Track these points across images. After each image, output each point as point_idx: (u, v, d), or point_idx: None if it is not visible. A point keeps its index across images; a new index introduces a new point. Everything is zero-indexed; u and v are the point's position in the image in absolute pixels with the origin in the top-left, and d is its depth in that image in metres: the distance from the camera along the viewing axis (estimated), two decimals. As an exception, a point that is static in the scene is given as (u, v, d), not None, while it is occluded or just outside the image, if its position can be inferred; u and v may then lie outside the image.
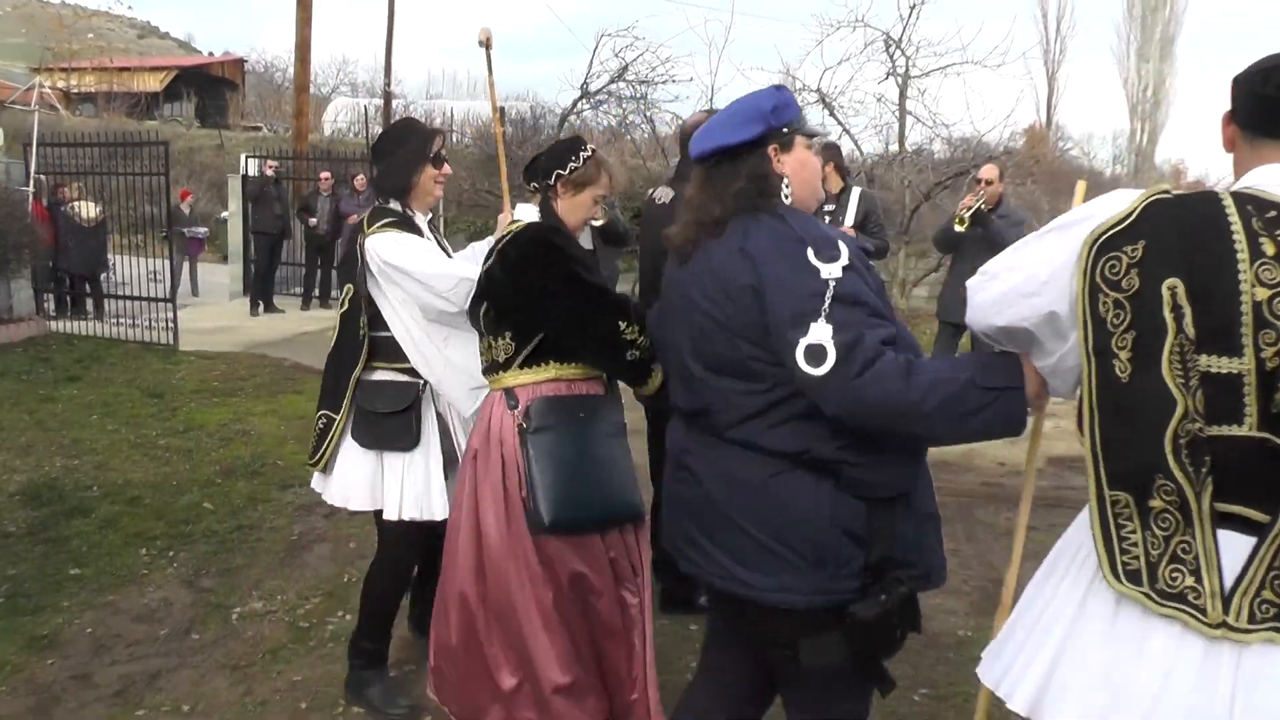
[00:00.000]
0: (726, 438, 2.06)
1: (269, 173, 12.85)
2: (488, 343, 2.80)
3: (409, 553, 3.34)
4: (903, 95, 14.33)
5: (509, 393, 2.75)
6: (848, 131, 14.20)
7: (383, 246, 3.02)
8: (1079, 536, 1.82)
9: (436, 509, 3.12)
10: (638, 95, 14.12)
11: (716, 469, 2.09)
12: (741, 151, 2.10)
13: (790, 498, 1.99)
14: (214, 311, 12.67)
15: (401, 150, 3.14)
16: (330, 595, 4.22)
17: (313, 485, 3.42)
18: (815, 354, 1.86)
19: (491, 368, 2.81)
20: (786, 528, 1.98)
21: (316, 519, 5.11)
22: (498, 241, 2.79)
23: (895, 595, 1.96)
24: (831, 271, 1.91)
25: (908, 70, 14.00)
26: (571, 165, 2.73)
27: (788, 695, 2.26)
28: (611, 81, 14.02)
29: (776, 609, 2.01)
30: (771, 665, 2.22)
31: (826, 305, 1.88)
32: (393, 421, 3.12)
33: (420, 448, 3.14)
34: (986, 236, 6.47)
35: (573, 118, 14.63)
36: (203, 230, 16.45)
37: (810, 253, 1.93)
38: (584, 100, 14.28)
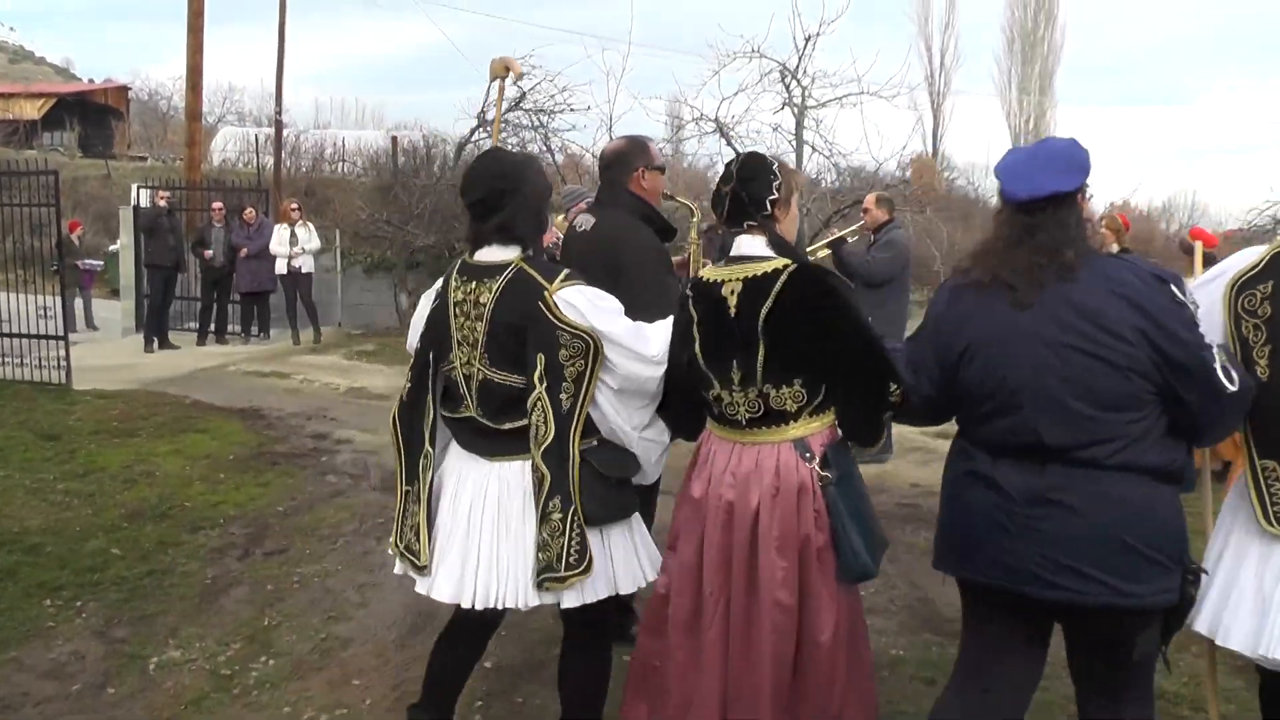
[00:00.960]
0: (1110, 465, 2.30)
1: (162, 203, 12.49)
2: (760, 392, 2.67)
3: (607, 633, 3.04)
4: (799, 125, 14.65)
5: (800, 443, 2.68)
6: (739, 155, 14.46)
7: (583, 304, 2.71)
8: (1235, 503, 2.55)
9: (648, 572, 2.88)
10: (535, 125, 14.15)
11: (1101, 496, 2.31)
12: (1068, 198, 2.37)
13: (1162, 508, 2.33)
14: (107, 349, 12.23)
15: (531, 189, 2.84)
16: (251, 640, 4.11)
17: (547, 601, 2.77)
18: (1225, 373, 2.28)
19: (768, 418, 2.70)
20: (1161, 536, 2.32)
21: (230, 561, 4.98)
22: (764, 284, 2.63)
23: (1198, 580, 2.39)
24: (1189, 301, 2.32)
25: (804, 101, 14.32)
26: (776, 184, 2.73)
27: (1107, 691, 2.51)
28: (509, 110, 14.03)
29: (1144, 611, 2.35)
30: (1088, 666, 2.53)
31: (1203, 331, 2.32)
32: (625, 490, 2.84)
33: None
34: (838, 261, 7.03)
35: (470, 146, 14.57)
36: (97, 263, 15.90)
37: (1174, 289, 2.28)
38: (481, 129, 14.23)
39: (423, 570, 2.85)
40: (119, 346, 12.53)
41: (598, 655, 3.01)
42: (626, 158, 3.94)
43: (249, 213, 12.66)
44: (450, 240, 13.49)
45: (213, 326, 12.96)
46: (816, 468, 2.64)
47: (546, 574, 2.65)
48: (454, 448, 2.94)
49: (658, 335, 2.81)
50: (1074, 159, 2.38)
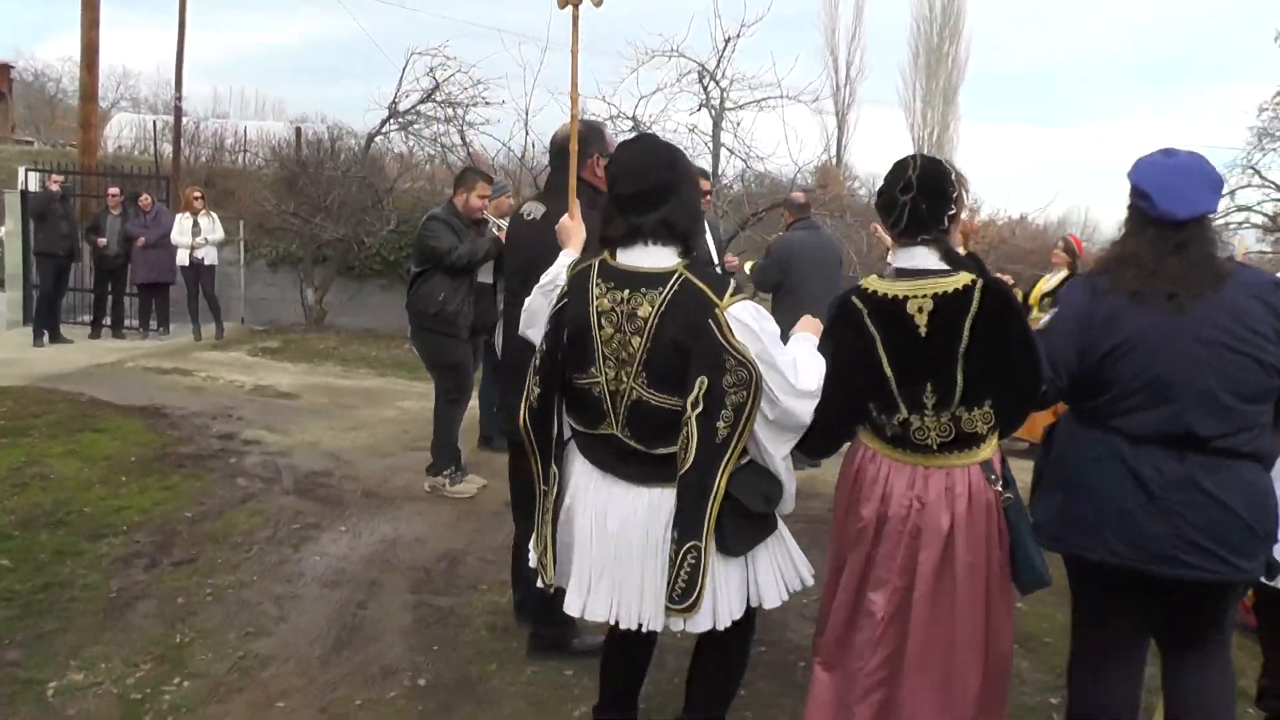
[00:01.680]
0: (1243, 452, 2.56)
1: (54, 188, 11.80)
2: (952, 416, 2.63)
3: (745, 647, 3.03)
4: (717, 127, 14.62)
5: (988, 464, 2.69)
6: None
7: (754, 324, 2.49)
8: None
9: (799, 579, 2.81)
10: (449, 118, 13.79)
11: (1234, 481, 2.56)
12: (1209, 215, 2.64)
13: (1270, 490, 2.61)
14: (-11, 342, 11.53)
15: (693, 183, 2.66)
16: (162, 660, 3.81)
17: (671, 626, 2.66)
18: None
19: (958, 442, 2.66)
20: (1269, 516, 2.60)
21: (136, 572, 4.65)
22: (959, 302, 2.56)
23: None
24: None
25: (722, 103, 14.29)
26: (954, 195, 2.67)
27: (1201, 649, 2.77)
28: (422, 101, 13.66)
29: (1248, 582, 2.74)
30: (1188, 633, 2.77)
31: None
32: (768, 517, 2.71)
33: None
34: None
35: (380, 138, 14.16)
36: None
37: None
38: (392, 120, 13.82)
39: (548, 588, 2.79)
40: (4, 340, 11.82)
41: (735, 667, 3.00)
42: (583, 145, 3.78)
43: (144, 199, 12.05)
44: (359, 234, 13.08)
45: (107, 320, 12.33)
46: (1000, 488, 2.68)
47: (669, 603, 2.56)
48: (583, 463, 2.74)
49: (812, 367, 2.62)
50: (1216, 179, 2.63)
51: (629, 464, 2.63)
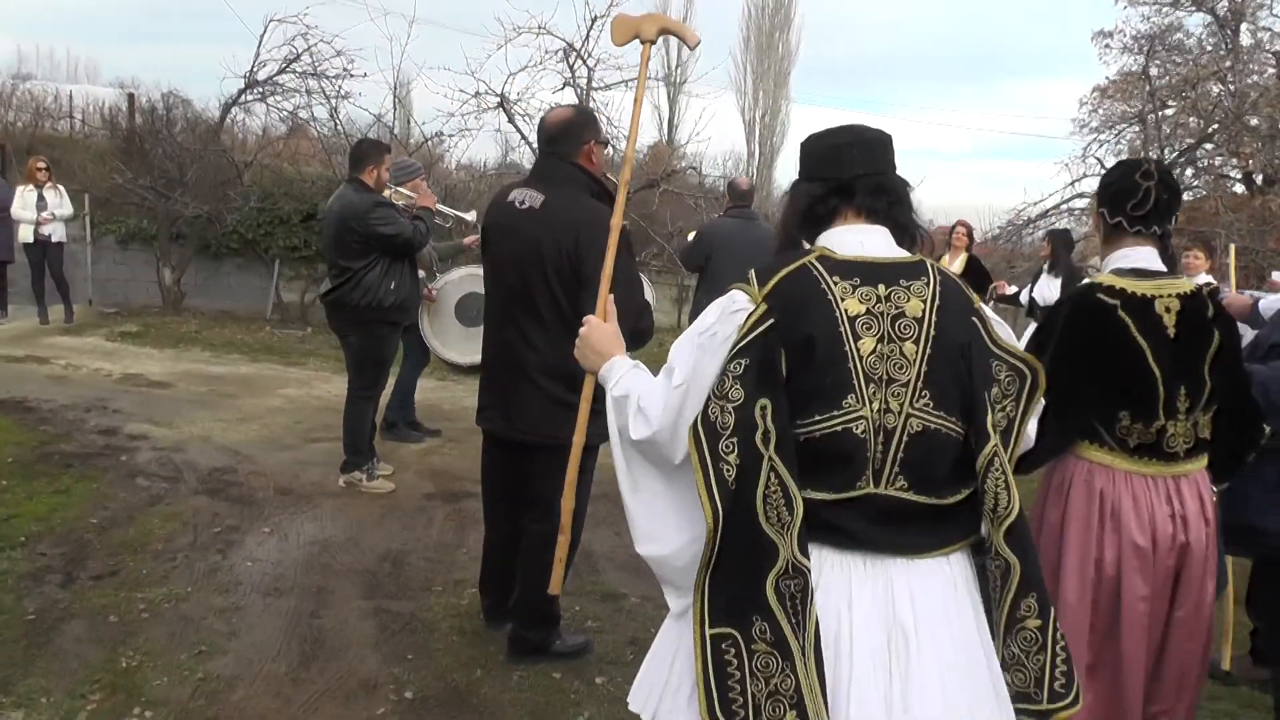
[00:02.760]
0: None
1: None
2: (1194, 420, 2.63)
3: None
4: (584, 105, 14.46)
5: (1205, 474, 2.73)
6: (526, 140, 14.09)
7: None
8: None
9: None
10: (312, 90, 13.12)
11: None
12: None
13: None
14: None
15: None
16: (113, 689, 3.48)
17: None
18: None
19: (1198, 448, 2.68)
20: None
21: (51, 589, 4.25)
22: (1200, 305, 2.64)
23: None
24: None
25: (589, 82, 14.14)
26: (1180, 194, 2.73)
27: None
28: (281, 71, 12.94)
29: None
30: None
31: None
32: None
33: None
34: None
35: (236, 109, 13.36)
36: None
37: None
38: (250, 90, 13.04)
39: None
40: None
41: None
42: (575, 129, 3.65)
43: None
44: (221, 210, 12.33)
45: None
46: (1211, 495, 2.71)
47: (1023, 704, 1.84)
48: (817, 554, 1.80)
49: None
50: None
51: (908, 528, 1.83)
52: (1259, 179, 17.78)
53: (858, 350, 1.79)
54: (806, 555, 1.74)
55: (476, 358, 7.48)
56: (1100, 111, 19.82)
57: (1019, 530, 1.83)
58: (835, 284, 1.83)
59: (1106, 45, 19.62)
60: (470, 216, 6.61)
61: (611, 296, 2.21)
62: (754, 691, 1.71)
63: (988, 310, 1.96)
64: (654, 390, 1.93)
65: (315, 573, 4.62)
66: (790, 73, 39.00)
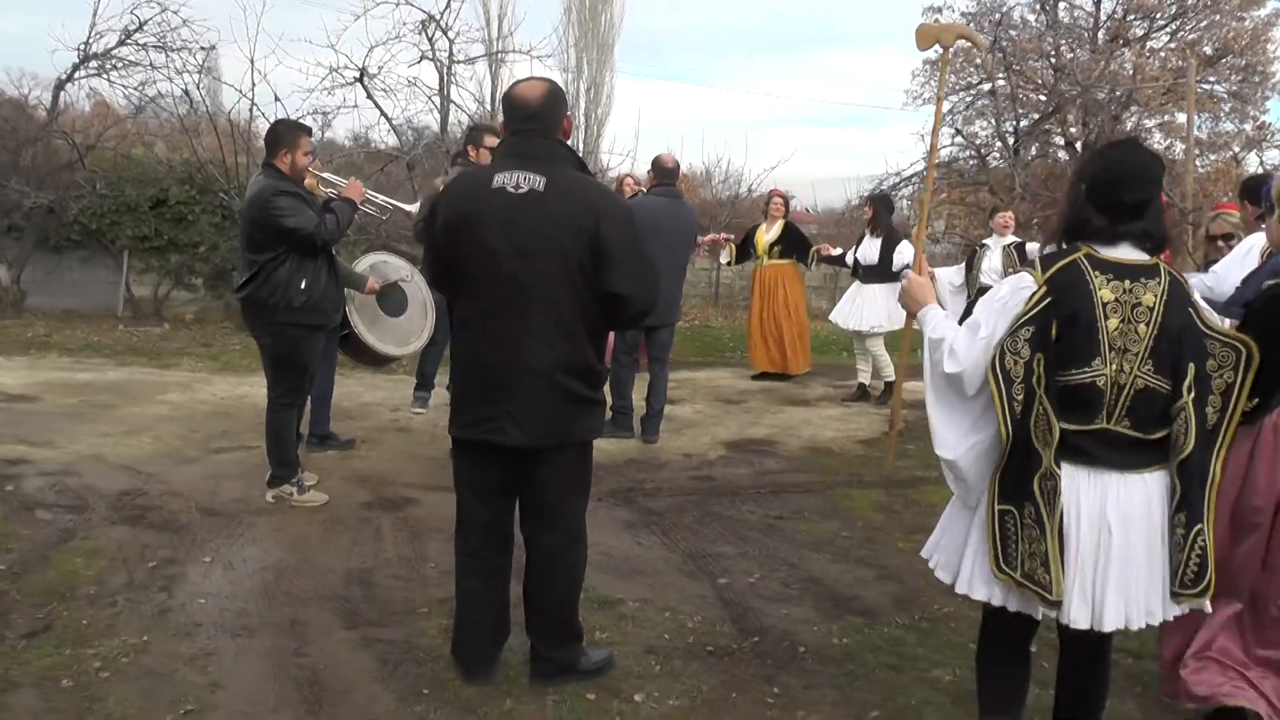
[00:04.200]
0: None
1: None
2: None
3: None
4: (444, 80, 13.92)
5: None
6: (385, 115, 13.46)
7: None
8: None
9: None
10: (156, 63, 12.09)
11: None
12: None
13: None
14: None
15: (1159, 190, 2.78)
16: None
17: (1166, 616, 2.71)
18: None
19: None
20: None
21: (0, 658, 3.68)
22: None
23: None
24: None
25: (451, 54, 13.60)
26: None
27: None
28: (121, 43, 11.86)
29: None
30: None
31: None
32: None
33: None
34: None
35: (71, 86, 12.19)
36: None
37: None
38: (84, 65, 11.89)
39: (1054, 605, 2.60)
40: None
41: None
42: (557, 103, 3.36)
43: None
44: (65, 199, 11.24)
45: None
46: None
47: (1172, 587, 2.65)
48: (1066, 467, 2.63)
49: None
50: None
51: (1125, 453, 2.63)
52: (1079, 146, 18.78)
53: (1106, 327, 2.57)
54: (1059, 465, 2.57)
55: (406, 350, 7.15)
56: (932, 84, 20.50)
57: (1189, 463, 2.59)
58: (1095, 276, 2.59)
59: (937, 19, 20.28)
60: (412, 209, 6.12)
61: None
62: (1022, 551, 2.61)
63: (1202, 303, 2.68)
64: (963, 337, 2.69)
65: (280, 603, 4.19)
66: (615, 45, 38.98)
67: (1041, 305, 2.57)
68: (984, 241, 8.51)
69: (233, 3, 23.74)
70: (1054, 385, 2.56)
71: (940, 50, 2.85)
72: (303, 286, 5.13)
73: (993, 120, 18.41)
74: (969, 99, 19.55)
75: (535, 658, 3.54)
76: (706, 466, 6.63)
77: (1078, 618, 2.60)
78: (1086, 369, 2.57)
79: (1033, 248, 7.98)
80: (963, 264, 8.68)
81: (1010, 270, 7.78)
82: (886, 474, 6.38)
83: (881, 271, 8.79)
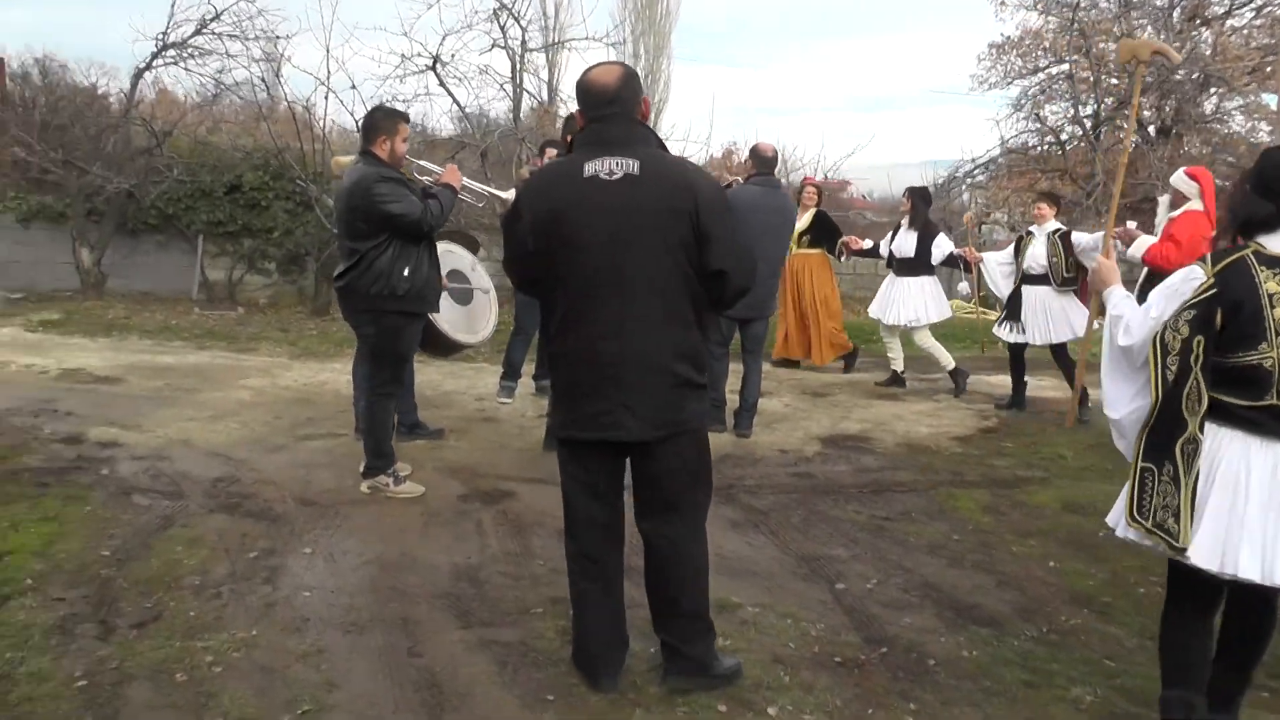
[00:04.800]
0: None
1: None
2: None
3: None
4: (516, 68, 13.76)
5: None
6: (457, 102, 13.32)
7: None
8: None
9: None
10: (233, 53, 12.06)
11: None
12: None
13: None
14: None
15: None
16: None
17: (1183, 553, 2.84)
18: None
19: None
20: None
21: (89, 644, 3.57)
22: None
23: None
24: None
25: (523, 42, 13.44)
26: None
27: None
28: (198, 32, 11.83)
29: None
30: None
31: None
32: None
33: None
34: None
35: (149, 74, 12.20)
36: None
37: None
38: (163, 55, 11.87)
39: (1180, 551, 2.83)
40: None
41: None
42: (635, 85, 3.22)
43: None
44: (146, 184, 11.27)
45: None
46: None
47: None
48: (1234, 434, 2.86)
49: None
50: None
51: None
52: (1152, 130, 18.14)
53: (1272, 316, 2.77)
54: (1203, 432, 2.81)
55: (476, 338, 7.05)
56: (998, 68, 19.93)
57: None
58: (1261, 271, 2.81)
59: (1003, 3, 19.65)
60: (508, 195, 5.97)
61: None
62: (1155, 504, 2.86)
63: None
64: (1138, 316, 2.98)
65: (388, 599, 4.05)
66: (671, 31, 38.74)
67: (1207, 295, 2.80)
68: (1030, 229, 8.32)
69: None
70: (1215, 365, 2.80)
71: (1137, 62, 3.19)
72: (405, 274, 5.00)
73: (1071, 104, 17.81)
74: (1040, 82, 18.93)
75: (671, 656, 3.38)
76: (804, 463, 6.41)
77: (1249, 570, 2.78)
78: (1253, 352, 2.79)
79: (1078, 236, 7.82)
80: (1011, 248, 8.46)
81: (1055, 259, 7.71)
82: (987, 473, 6.15)
83: (918, 265, 8.71)
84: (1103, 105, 17.33)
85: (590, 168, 3.11)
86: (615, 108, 3.17)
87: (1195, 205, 6.41)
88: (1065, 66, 17.98)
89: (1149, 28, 18.32)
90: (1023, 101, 18.52)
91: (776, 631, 3.88)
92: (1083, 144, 17.78)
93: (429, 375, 8.15)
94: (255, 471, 5.62)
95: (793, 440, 6.97)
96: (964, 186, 18.39)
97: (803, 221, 9.48)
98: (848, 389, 8.98)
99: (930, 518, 5.31)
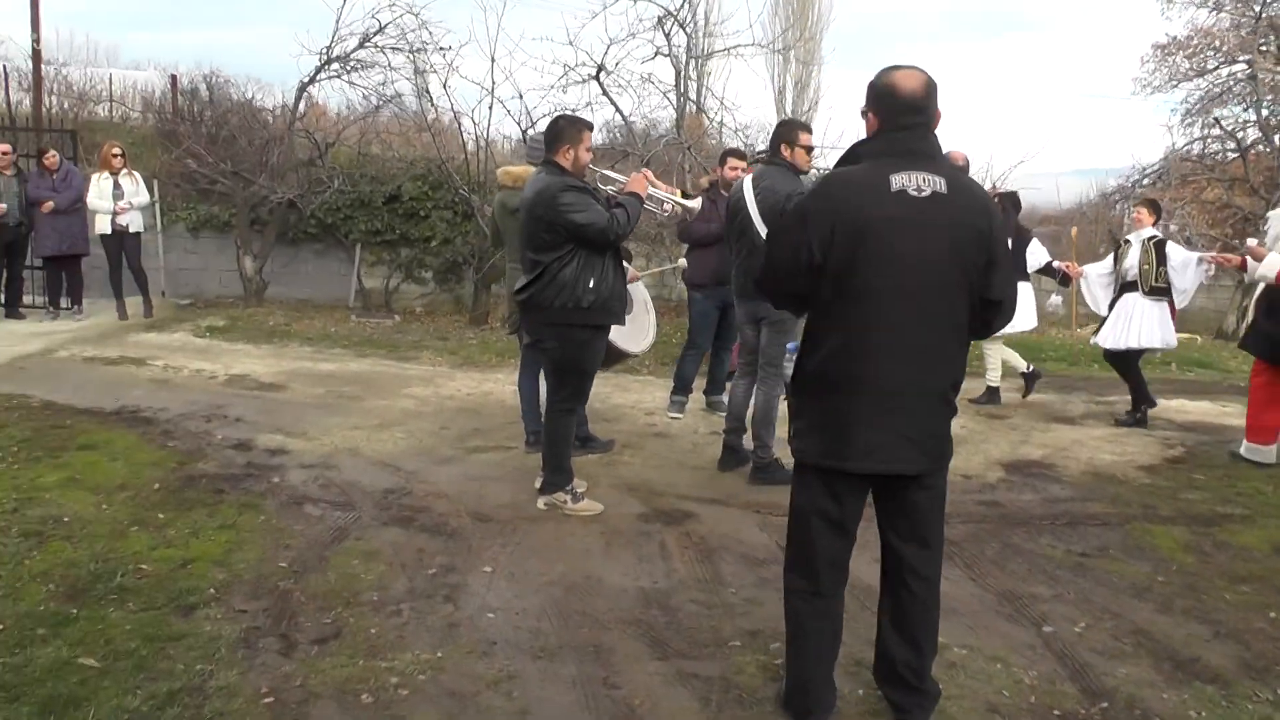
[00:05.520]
0: None
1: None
2: None
3: None
4: (680, 76, 13.52)
5: None
6: (620, 111, 13.14)
7: None
8: None
9: None
10: (395, 64, 12.16)
11: None
12: None
13: None
14: None
15: None
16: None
17: None
18: None
19: None
20: None
21: (273, 659, 3.42)
22: None
23: None
24: None
25: (688, 49, 13.19)
26: None
27: None
28: (360, 45, 11.95)
29: None
30: None
31: None
32: None
33: None
34: None
35: (313, 88, 12.40)
36: None
37: None
38: (332, 65, 11.99)
39: None
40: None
41: None
42: (936, 93, 2.99)
43: (51, 157, 10.18)
44: (308, 195, 11.48)
45: (1, 298, 10.45)
46: None
47: None
48: None
49: None
50: None
51: None
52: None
53: None
54: None
55: (640, 347, 6.83)
56: (1162, 70, 18.76)
57: None
58: None
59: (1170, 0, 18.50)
60: (695, 204, 5.71)
61: None
62: None
63: None
64: None
65: (577, 624, 3.79)
66: (822, 37, 38.08)
67: None
68: (1127, 238, 7.97)
69: (474, 4, 24.06)
70: None
71: None
72: (591, 285, 4.77)
73: (1252, 107, 16.62)
74: (1212, 84, 17.72)
75: (908, 692, 3.14)
76: (989, 490, 5.93)
77: None
78: None
79: (1173, 248, 7.67)
80: (1110, 257, 8.09)
81: (1146, 266, 7.52)
82: (1182, 508, 5.59)
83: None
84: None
85: (898, 181, 2.84)
86: (921, 117, 2.93)
87: None
88: (1240, 66, 16.83)
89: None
90: (1196, 105, 17.42)
91: (987, 676, 3.52)
92: (1265, 149, 16.57)
93: (596, 387, 7.90)
94: (426, 484, 5.46)
95: (973, 465, 6.48)
96: (1131, 197, 17.34)
97: None
98: (1023, 411, 8.40)
99: (1129, 555, 4.82)
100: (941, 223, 2.82)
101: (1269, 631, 4.00)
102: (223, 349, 9.33)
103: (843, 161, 2.99)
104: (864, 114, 3.00)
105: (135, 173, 10.49)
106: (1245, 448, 6.72)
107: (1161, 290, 7.55)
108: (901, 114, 2.90)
